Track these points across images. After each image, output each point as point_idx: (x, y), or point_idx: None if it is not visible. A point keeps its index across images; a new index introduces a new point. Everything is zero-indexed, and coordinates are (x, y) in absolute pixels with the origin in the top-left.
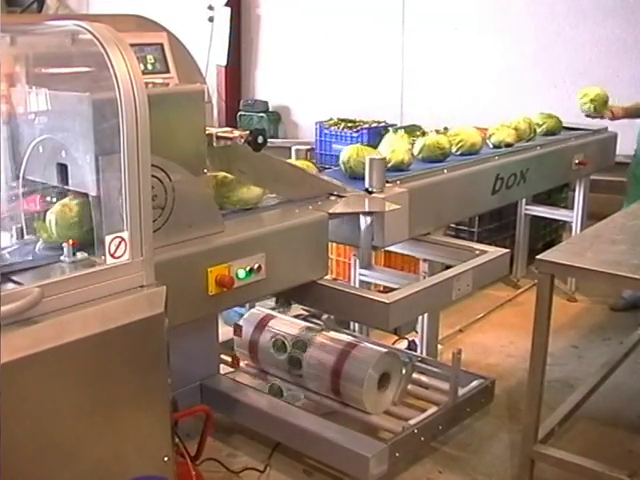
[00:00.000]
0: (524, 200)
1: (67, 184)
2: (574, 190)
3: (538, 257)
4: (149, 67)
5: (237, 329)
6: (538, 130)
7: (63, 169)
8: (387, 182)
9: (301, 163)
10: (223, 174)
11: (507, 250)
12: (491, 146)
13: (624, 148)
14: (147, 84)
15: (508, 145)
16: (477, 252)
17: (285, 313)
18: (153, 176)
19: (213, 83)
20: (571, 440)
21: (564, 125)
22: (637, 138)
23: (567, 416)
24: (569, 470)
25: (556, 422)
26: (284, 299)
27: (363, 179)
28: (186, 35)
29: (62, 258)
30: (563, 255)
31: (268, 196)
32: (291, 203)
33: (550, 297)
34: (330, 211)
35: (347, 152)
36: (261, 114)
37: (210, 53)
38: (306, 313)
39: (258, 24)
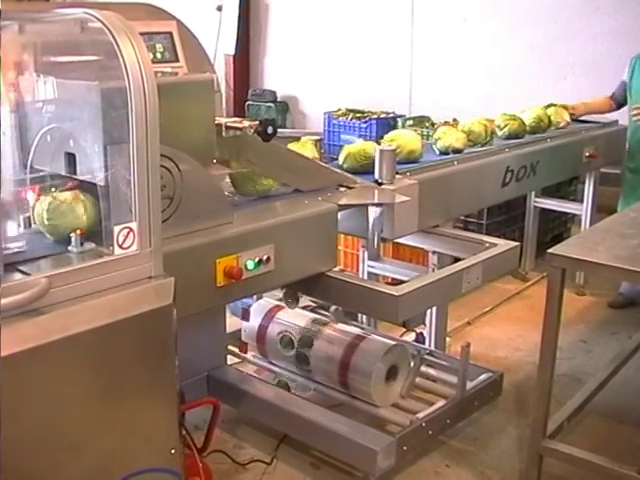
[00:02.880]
0: (533, 193)
1: (75, 173)
2: (584, 183)
3: (550, 251)
4: (158, 56)
5: (245, 314)
6: (499, 133)
7: (71, 158)
8: (397, 174)
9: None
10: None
11: (517, 243)
12: (438, 152)
13: None
14: (156, 73)
15: (457, 151)
16: (487, 245)
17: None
18: (162, 166)
19: (221, 72)
20: (579, 435)
21: (574, 118)
22: (628, 134)
23: (576, 411)
24: (578, 465)
25: (565, 417)
26: (291, 296)
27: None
28: (194, 24)
29: (70, 248)
30: (575, 249)
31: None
32: (300, 194)
33: (561, 291)
34: (339, 202)
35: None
36: (269, 104)
37: (218, 42)
38: (314, 304)
39: (267, 13)
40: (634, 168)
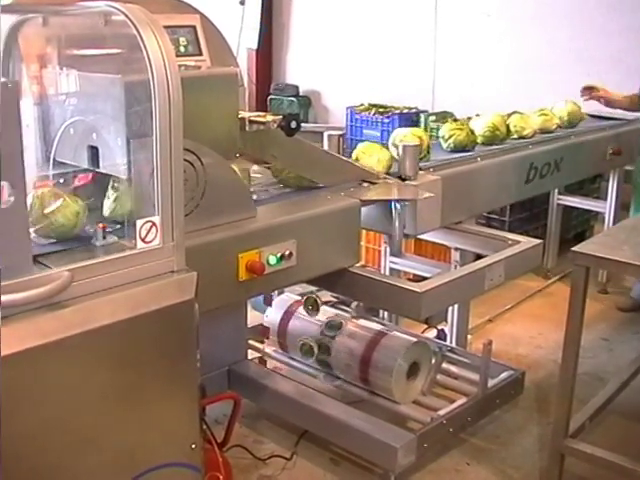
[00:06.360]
0: (556, 190)
1: (98, 167)
2: (607, 180)
3: (574, 249)
4: (182, 49)
5: (268, 299)
6: (444, 145)
7: (94, 152)
8: (420, 169)
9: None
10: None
11: (540, 241)
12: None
13: None
14: (180, 67)
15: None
16: (510, 242)
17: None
18: (185, 160)
19: (244, 66)
20: (601, 435)
21: (598, 115)
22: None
23: (598, 411)
24: (599, 465)
25: (587, 417)
26: (312, 304)
27: None
28: (218, 18)
29: (92, 242)
30: (599, 247)
31: None
32: (323, 189)
33: (585, 290)
34: (362, 198)
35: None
36: (291, 98)
37: (241, 36)
38: (335, 300)
39: (290, 7)
40: None
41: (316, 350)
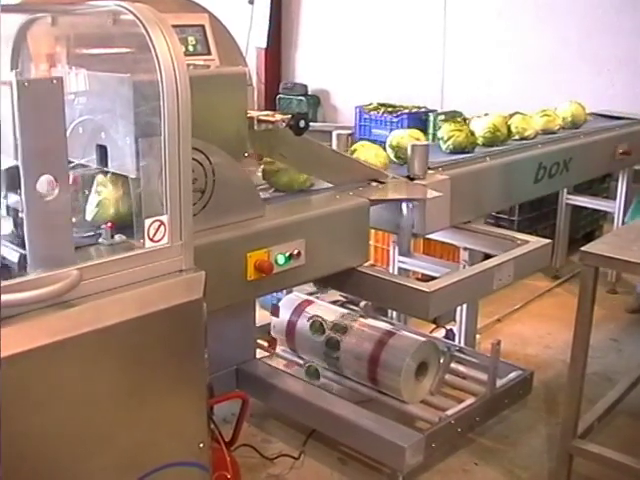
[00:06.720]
0: (565, 189)
1: (106, 166)
2: (617, 180)
3: (583, 249)
4: (190, 49)
5: (275, 310)
6: (443, 147)
7: (103, 151)
8: (429, 169)
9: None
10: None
11: (549, 240)
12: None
13: None
14: (188, 66)
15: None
16: (518, 242)
17: (322, 297)
18: (193, 159)
19: (253, 65)
20: (609, 435)
21: (608, 114)
22: None
23: (607, 411)
24: (608, 466)
25: (595, 417)
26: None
27: None
28: (226, 17)
29: (100, 241)
30: (608, 247)
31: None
32: (332, 188)
33: (594, 290)
34: (371, 197)
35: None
36: (300, 97)
37: (250, 35)
38: (343, 299)
39: (299, 6)
40: None
41: (327, 330)
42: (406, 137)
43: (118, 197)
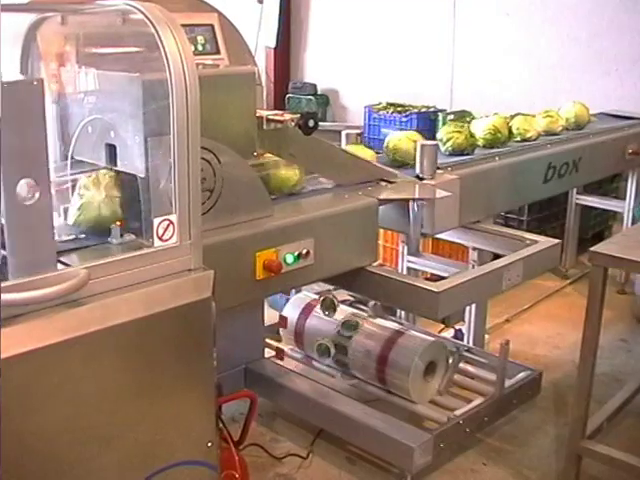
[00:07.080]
0: (575, 189)
1: (115, 165)
2: (626, 180)
3: (592, 249)
4: (199, 48)
5: (282, 320)
6: (442, 149)
7: (112, 150)
8: (438, 168)
9: (356, 148)
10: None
11: (558, 241)
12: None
13: None
14: (197, 65)
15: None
16: (528, 242)
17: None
18: (202, 158)
19: (262, 65)
20: (618, 436)
21: (617, 114)
22: None
23: (615, 412)
24: (616, 467)
25: (604, 418)
26: (329, 307)
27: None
28: (236, 16)
29: (110, 240)
30: (617, 248)
31: (319, 180)
32: (341, 188)
33: (603, 290)
34: (380, 197)
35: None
36: (309, 97)
37: (259, 35)
38: (352, 299)
39: (308, 6)
40: None
41: (333, 350)
42: (403, 139)
43: (101, 200)
